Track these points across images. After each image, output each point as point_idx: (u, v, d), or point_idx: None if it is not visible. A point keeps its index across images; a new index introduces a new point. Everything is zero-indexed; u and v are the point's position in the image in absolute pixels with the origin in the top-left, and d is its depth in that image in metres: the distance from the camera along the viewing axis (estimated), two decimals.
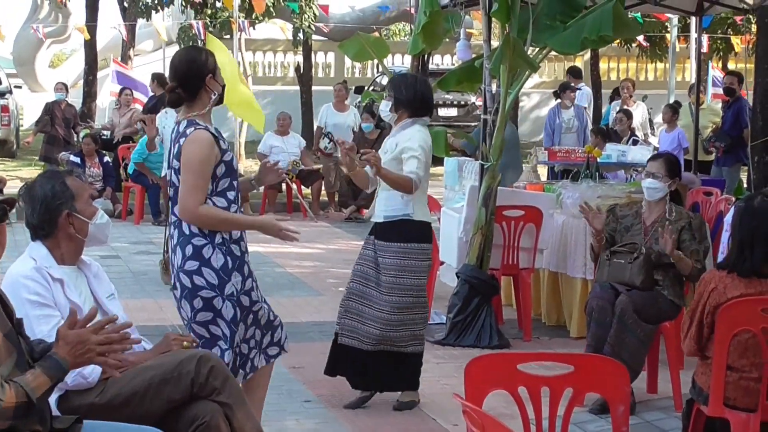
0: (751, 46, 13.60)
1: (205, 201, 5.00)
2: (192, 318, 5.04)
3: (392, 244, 6.35)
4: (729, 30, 24.27)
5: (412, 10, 11.12)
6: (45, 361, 3.49)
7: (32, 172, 19.25)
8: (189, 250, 5.01)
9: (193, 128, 5.00)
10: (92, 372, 4.22)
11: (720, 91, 15.86)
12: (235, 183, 5.14)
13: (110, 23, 27.06)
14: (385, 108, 6.52)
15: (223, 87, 5.21)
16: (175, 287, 5.10)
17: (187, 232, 5.03)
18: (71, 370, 3.55)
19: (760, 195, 4.82)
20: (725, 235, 7.35)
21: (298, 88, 25.60)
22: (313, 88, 25.34)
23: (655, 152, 9.42)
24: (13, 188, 14.98)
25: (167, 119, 9.64)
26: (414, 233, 6.37)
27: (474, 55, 10.13)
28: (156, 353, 4.48)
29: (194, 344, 4.69)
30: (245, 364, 5.23)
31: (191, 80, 5.08)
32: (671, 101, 17.94)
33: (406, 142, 6.34)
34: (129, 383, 4.25)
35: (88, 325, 3.54)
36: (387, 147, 6.46)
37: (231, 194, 5.11)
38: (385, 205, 6.42)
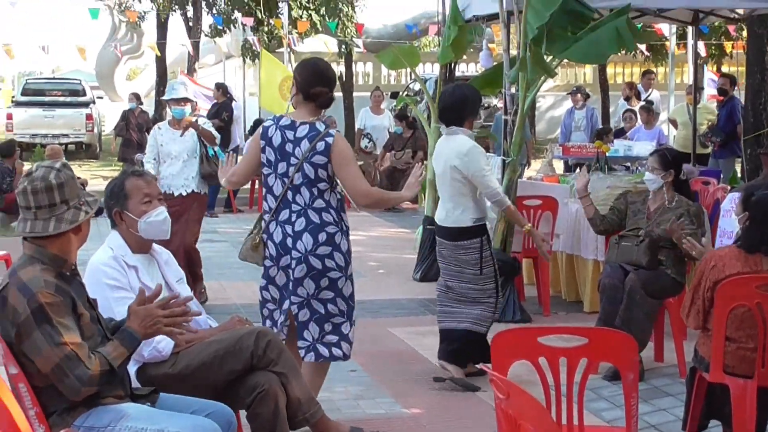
0: (743, 51, 13.40)
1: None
2: (314, 295, 5.04)
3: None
4: (722, 37, 23.95)
5: (440, 26, 11.11)
6: (120, 334, 3.60)
7: (112, 171, 19.37)
8: (322, 236, 5.00)
9: (333, 130, 5.07)
10: (166, 346, 4.26)
11: (714, 92, 15.66)
12: None
13: (178, 41, 27.23)
14: None
15: None
16: (290, 267, 5.02)
17: (318, 221, 5.02)
18: (143, 340, 3.65)
19: None
20: (722, 220, 7.26)
21: (341, 94, 25.56)
22: (354, 94, 25.28)
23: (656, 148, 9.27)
24: (96, 186, 15.12)
25: (162, 135, 8.87)
26: None
27: (494, 63, 10.06)
28: (220, 330, 4.49)
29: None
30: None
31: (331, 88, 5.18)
32: (672, 102, 17.73)
33: None
34: (197, 356, 4.28)
35: (155, 302, 3.62)
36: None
37: None
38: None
